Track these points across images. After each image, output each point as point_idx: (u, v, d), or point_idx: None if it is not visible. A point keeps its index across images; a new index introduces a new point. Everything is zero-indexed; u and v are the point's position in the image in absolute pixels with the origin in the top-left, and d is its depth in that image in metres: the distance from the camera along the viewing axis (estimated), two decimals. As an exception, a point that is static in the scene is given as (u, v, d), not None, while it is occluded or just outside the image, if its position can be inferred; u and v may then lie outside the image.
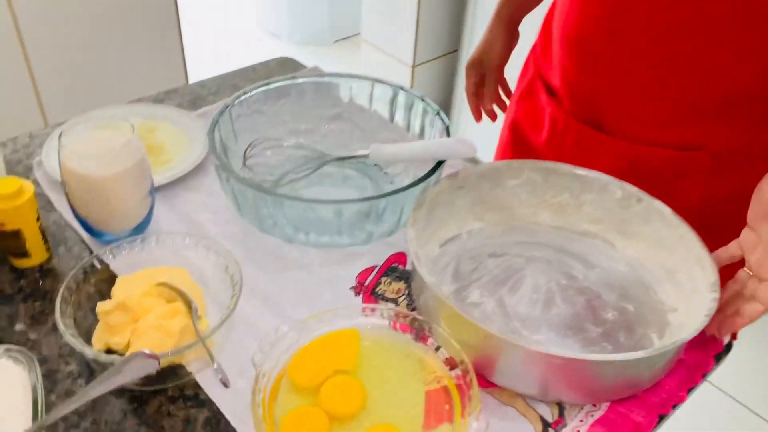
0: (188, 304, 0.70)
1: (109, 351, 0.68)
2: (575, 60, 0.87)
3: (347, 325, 0.71)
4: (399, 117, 0.97)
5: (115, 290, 0.72)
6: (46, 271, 0.80)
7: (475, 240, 0.85)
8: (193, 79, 1.62)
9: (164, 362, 0.66)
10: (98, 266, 0.73)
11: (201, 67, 1.86)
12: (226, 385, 0.61)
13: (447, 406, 0.65)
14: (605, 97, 0.86)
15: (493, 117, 1.15)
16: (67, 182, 0.77)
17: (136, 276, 0.74)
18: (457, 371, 0.66)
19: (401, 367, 0.69)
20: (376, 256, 0.84)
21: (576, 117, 0.91)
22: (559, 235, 0.85)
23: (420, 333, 0.70)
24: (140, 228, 0.84)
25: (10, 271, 0.80)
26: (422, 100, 0.93)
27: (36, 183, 0.92)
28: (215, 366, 0.60)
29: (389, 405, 0.66)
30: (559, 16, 0.90)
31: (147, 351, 0.52)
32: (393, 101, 0.97)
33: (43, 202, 0.89)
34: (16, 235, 0.77)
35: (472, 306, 0.76)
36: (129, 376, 0.52)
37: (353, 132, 1.01)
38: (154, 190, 0.84)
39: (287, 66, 1.26)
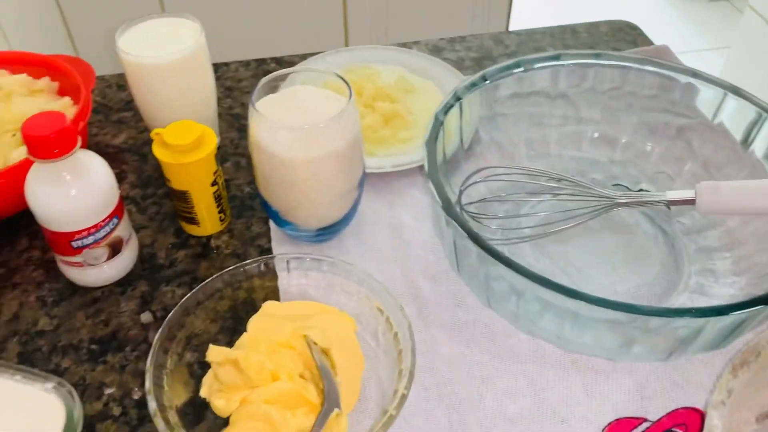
0: (325, 395, 0.46)
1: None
2: None
3: None
4: (760, 146, 0.58)
5: (252, 323, 0.51)
6: (213, 247, 0.62)
7: None
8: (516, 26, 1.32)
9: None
10: (245, 275, 0.53)
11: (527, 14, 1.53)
12: None
13: None
14: None
15: None
16: (252, 153, 0.57)
17: (288, 307, 0.52)
18: None
19: None
20: (648, 396, 0.51)
21: None
22: None
23: None
24: (335, 228, 0.61)
25: (175, 234, 0.64)
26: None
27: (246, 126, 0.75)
28: None
29: None
30: None
31: None
32: (755, 124, 0.58)
33: (246, 150, 0.72)
34: (183, 196, 0.59)
35: None
36: None
37: (677, 155, 0.64)
38: (364, 184, 0.60)
39: (623, 34, 0.90)
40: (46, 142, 0.49)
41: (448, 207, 0.50)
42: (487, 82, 0.62)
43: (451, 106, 0.59)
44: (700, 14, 2.54)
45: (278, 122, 0.53)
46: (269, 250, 0.62)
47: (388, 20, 1.39)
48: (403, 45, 0.86)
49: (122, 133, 0.75)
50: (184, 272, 0.60)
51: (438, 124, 0.57)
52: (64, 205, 0.52)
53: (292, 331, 0.50)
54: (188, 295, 0.50)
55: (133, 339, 0.55)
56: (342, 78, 0.55)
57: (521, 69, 0.63)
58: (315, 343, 0.49)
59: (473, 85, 0.61)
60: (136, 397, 0.51)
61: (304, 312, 0.52)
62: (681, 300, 0.56)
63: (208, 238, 0.63)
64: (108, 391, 0.52)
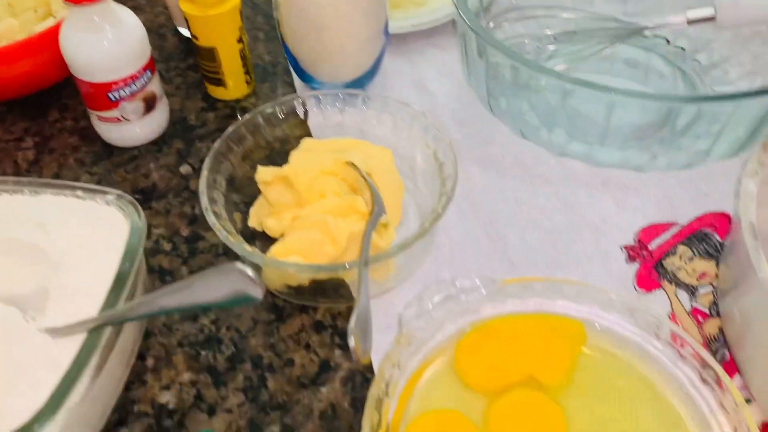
0: (373, 203, 0.48)
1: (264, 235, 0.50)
2: None
3: (577, 313, 0.44)
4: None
5: (294, 156, 0.52)
6: (240, 109, 0.64)
7: None
8: None
9: (314, 276, 0.45)
10: (281, 113, 0.54)
11: None
12: (356, 359, 0.37)
13: None
14: None
15: None
16: (278, 3, 0.58)
17: (326, 144, 0.54)
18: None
19: (643, 414, 0.40)
20: (677, 204, 0.53)
21: None
22: None
23: (709, 371, 0.40)
24: (360, 82, 0.62)
25: (202, 99, 0.65)
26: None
27: (258, 4, 0.75)
28: (357, 310, 0.38)
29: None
30: None
31: (248, 271, 0.31)
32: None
33: (263, 24, 0.73)
34: (210, 54, 0.60)
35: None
36: (215, 294, 0.33)
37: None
38: (388, 32, 0.61)
39: None
40: (80, -16, 0.50)
41: (482, 31, 0.52)
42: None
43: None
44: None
45: (304, -37, 0.54)
46: (297, 109, 0.63)
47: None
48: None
49: (139, 17, 0.75)
50: (216, 131, 0.62)
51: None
52: (100, 51, 0.53)
53: (333, 161, 0.51)
54: (231, 128, 0.51)
55: (175, 188, 0.57)
56: None
57: None
58: (357, 166, 0.50)
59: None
60: (184, 234, 0.53)
61: (342, 146, 0.53)
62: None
63: (236, 101, 0.64)
64: (157, 231, 0.54)
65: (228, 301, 0.33)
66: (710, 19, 0.54)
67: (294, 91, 0.65)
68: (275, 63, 0.68)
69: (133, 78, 0.55)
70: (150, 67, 0.57)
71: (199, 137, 0.61)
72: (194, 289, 0.33)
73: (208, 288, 0.33)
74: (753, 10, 0.52)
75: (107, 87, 0.55)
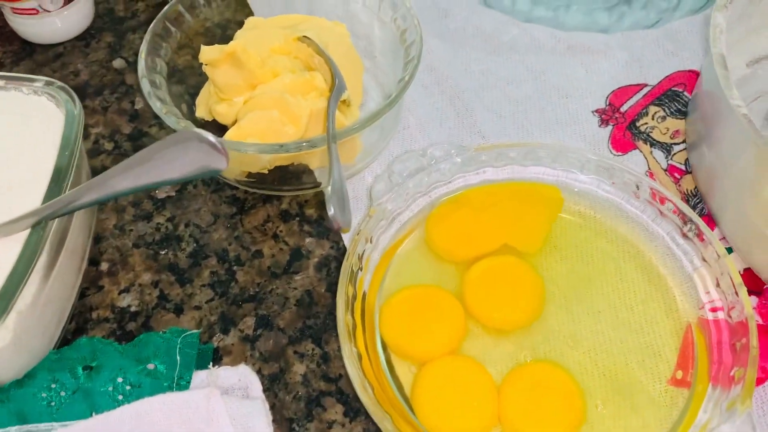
0: (332, 79, 0.44)
1: (215, 123, 0.46)
2: None
3: (552, 178, 0.42)
4: None
5: (240, 35, 0.48)
6: (173, -4, 0.58)
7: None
8: None
9: (277, 160, 0.42)
10: (223, -5, 0.49)
11: None
12: (336, 227, 0.34)
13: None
14: None
15: None
16: None
17: (273, 21, 0.49)
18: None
19: (626, 271, 0.40)
20: (646, 65, 0.51)
21: None
22: None
23: (690, 226, 0.39)
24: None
25: (130, -12, 0.58)
26: None
27: None
28: (328, 188, 0.35)
29: (586, 327, 0.38)
30: None
31: (210, 137, 0.28)
32: None
33: None
34: (134, -67, 0.54)
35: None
36: (175, 171, 0.29)
37: None
38: None
39: None
40: None
41: None
42: None
43: None
44: None
45: None
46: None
47: None
48: None
49: None
50: (149, 20, 0.55)
51: None
52: (4, -72, 0.46)
53: (284, 37, 0.47)
54: (164, 9, 0.46)
55: (110, 84, 0.51)
56: None
57: None
58: (312, 41, 0.46)
59: None
60: (126, 131, 0.49)
61: (291, 22, 0.49)
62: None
63: (168, -12, 0.58)
64: (95, 130, 0.49)
65: (188, 176, 0.30)
66: None
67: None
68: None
69: (47, -41, 0.49)
70: (65, -53, 0.50)
71: (131, 29, 0.55)
72: (150, 165, 0.30)
73: (165, 162, 0.29)
74: None
75: (18, -29, 0.48)
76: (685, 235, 0.39)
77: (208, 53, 0.44)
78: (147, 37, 0.44)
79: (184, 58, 0.48)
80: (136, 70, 0.51)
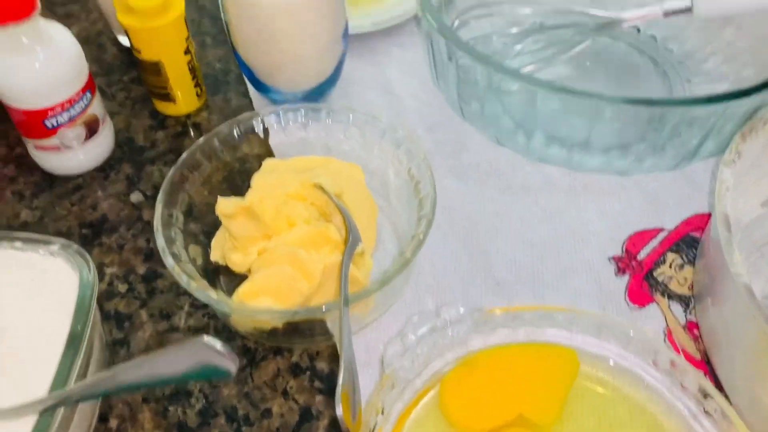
0: (347, 231, 0.44)
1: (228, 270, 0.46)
2: None
3: (568, 341, 0.41)
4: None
5: (257, 180, 0.48)
6: (193, 125, 0.59)
7: None
8: None
9: (290, 320, 0.42)
10: (238, 134, 0.50)
11: None
12: (349, 423, 0.33)
13: None
14: None
15: None
16: (228, 9, 0.53)
17: (290, 163, 0.50)
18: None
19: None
20: (662, 208, 0.51)
21: None
22: None
23: (711, 402, 0.38)
24: (321, 89, 0.58)
25: (150, 116, 0.60)
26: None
27: (205, 6, 0.70)
28: (342, 366, 0.34)
29: None
30: None
31: (218, 345, 0.28)
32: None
33: (210, 27, 0.68)
34: (155, 68, 0.55)
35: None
36: (183, 371, 0.29)
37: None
38: (348, 35, 0.57)
39: None
40: (3, 2, 0.44)
41: (450, 35, 0.48)
42: None
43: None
44: None
45: (254, -33, 0.49)
46: (255, 121, 0.58)
47: None
48: None
49: (73, 26, 0.69)
50: (167, 151, 0.57)
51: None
52: (31, 76, 0.48)
53: (299, 183, 0.47)
54: (185, 154, 0.47)
55: (126, 219, 0.52)
56: None
57: None
58: (326, 189, 0.46)
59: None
60: (141, 272, 0.49)
61: (307, 165, 0.49)
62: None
63: (186, 116, 0.59)
64: (110, 270, 0.49)
65: (196, 374, 0.30)
66: (687, 10, 0.51)
67: (249, 101, 0.61)
68: (227, 71, 0.63)
69: (71, 102, 0.50)
70: (90, 87, 0.51)
71: (150, 160, 0.56)
72: (160, 365, 0.29)
73: (174, 364, 0.29)
74: (730, 2, 0.49)
75: (42, 114, 0.49)
76: (706, 412, 0.38)
77: (224, 206, 0.45)
78: (164, 186, 0.45)
79: (202, 196, 0.48)
80: (152, 206, 0.52)
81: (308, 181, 0.47)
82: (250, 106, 0.60)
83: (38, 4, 0.47)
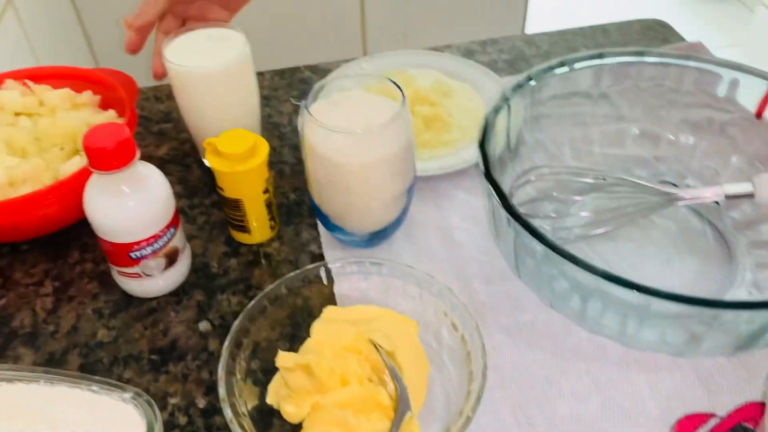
0: (398, 399, 0.46)
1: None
2: None
3: None
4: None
5: (316, 328, 0.51)
6: (264, 255, 0.63)
7: None
8: (532, 29, 1.33)
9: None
10: (304, 281, 0.53)
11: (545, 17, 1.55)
12: None
13: None
14: None
15: None
16: (306, 158, 0.57)
17: (349, 313, 0.52)
18: None
19: None
20: (715, 391, 0.51)
21: None
22: None
23: None
24: (386, 231, 0.61)
25: (225, 243, 0.64)
26: None
27: (286, 134, 0.75)
28: None
29: None
30: None
31: None
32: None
33: (290, 156, 0.72)
34: (236, 205, 0.60)
35: None
36: None
37: (722, 150, 0.64)
38: (416, 181, 0.60)
39: (654, 32, 0.90)
40: (107, 153, 0.50)
41: (509, 207, 0.50)
42: (532, 82, 0.62)
43: (500, 107, 0.59)
44: (711, 13, 2.55)
45: (333, 126, 0.53)
46: (320, 256, 0.62)
47: (405, 26, 1.40)
48: (435, 49, 0.86)
49: (164, 145, 0.75)
50: (238, 280, 0.60)
51: (489, 126, 0.57)
52: (123, 216, 0.52)
53: (356, 335, 0.50)
54: (253, 302, 0.50)
55: (193, 348, 0.55)
56: (394, 82, 0.56)
57: (566, 68, 0.63)
58: (380, 347, 0.49)
59: (519, 86, 0.61)
60: (201, 405, 0.52)
61: (365, 316, 0.52)
62: (739, 294, 0.56)
63: (259, 245, 0.63)
64: (173, 401, 0.52)
65: None
66: (749, 195, 0.52)
67: (317, 233, 0.64)
68: (300, 202, 0.67)
69: (156, 237, 0.54)
70: (174, 223, 0.56)
71: (221, 287, 0.60)
72: None
73: None
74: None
75: (129, 247, 0.54)
76: None
77: (284, 360, 0.47)
78: (230, 336, 0.48)
79: (263, 336, 0.51)
80: (219, 335, 0.55)
81: (364, 335, 0.50)
82: (317, 240, 0.63)
83: (137, 154, 0.52)
